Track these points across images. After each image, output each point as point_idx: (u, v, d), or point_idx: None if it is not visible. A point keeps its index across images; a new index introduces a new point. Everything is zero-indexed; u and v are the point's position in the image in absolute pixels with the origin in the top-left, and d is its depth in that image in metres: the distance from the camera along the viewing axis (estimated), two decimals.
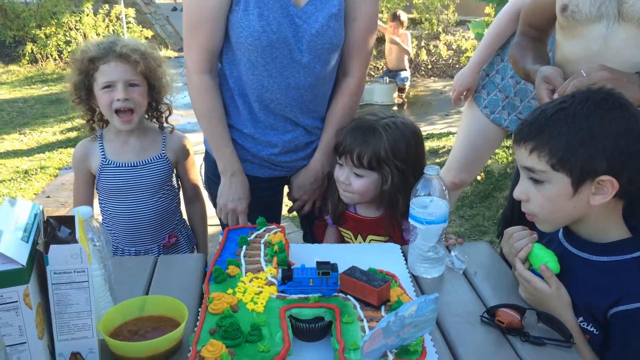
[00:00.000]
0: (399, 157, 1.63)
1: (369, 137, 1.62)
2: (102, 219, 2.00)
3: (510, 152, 4.66)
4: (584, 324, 1.25)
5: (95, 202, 2.02)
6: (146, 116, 1.98)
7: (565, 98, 1.25)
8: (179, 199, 2.08)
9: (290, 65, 1.64)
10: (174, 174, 2.01)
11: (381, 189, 1.65)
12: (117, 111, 1.84)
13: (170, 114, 2.03)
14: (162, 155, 1.96)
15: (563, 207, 1.23)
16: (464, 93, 2.72)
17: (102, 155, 1.92)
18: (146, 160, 1.93)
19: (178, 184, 2.06)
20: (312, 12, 1.61)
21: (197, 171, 2.11)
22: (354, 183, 1.66)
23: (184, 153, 2.02)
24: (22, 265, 0.93)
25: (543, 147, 1.20)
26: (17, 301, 0.94)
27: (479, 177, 4.30)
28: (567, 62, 1.58)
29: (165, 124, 2.01)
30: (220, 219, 1.87)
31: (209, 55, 1.68)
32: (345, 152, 1.65)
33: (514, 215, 1.63)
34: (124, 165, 1.91)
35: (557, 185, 1.21)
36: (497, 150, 4.68)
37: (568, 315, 1.25)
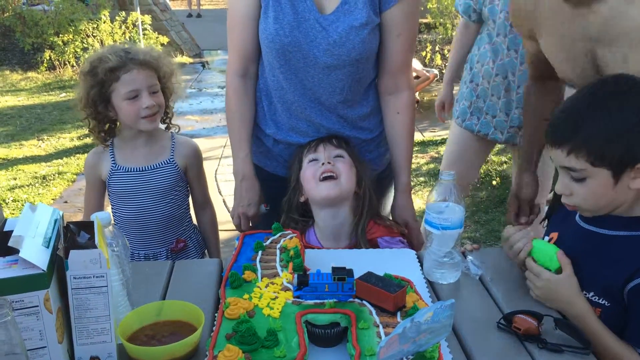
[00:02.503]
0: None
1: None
2: (114, 223, 2.02)
3: None
4: (594, 298, 1.28)
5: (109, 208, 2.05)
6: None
7: (593, 89, 1.26)
8: (188, 204, 2.09)
9: (304, 69, 1.66)
10: (182, 180, 2.02)
11: (357, 180, 1.68)
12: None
13: (172, 116, 2.04)
14: (171, 160, 1.97)
15: (605, 196, 1.26)
16: (443, 107, 2.92)
17: (113, 161, 1.95)
18: (154, 165, 1.95)
19: (187, 190, 2.07)
20: (333, 21, 1.62)
21: (206, 178, 2.13)
22: (338, 165, 1.65)
23: (194, 159, 2.04)
24: (43, 270, 0.94)
25: (580, 148, 1.22)
26: (37, 306, 0.96)
27: (494, 182, 4.27)
28: None
29: (171, 125, 2.03)
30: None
31: (243, 59, 1.75)
32: (321, 141, 1.69)
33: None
34: (132, 170, 1.94)
35: (599, 179, 1.24)
36: (512, 155, 4.64)
37: (579, 299, 1.28)
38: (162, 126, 2.02)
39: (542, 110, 1.79)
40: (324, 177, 1.62)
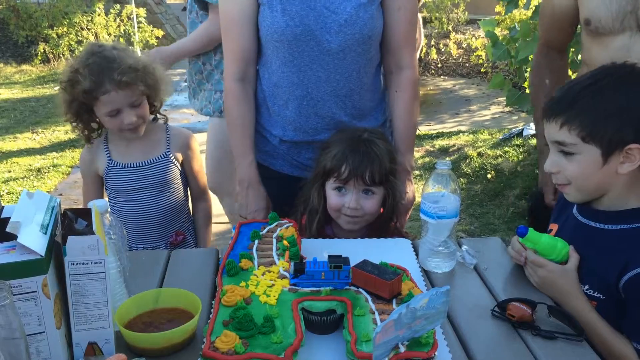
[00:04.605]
0: (395, 164, 1.65)
1: (370, 152, 1.58)
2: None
3: (521, 150, 4.65)
4: (590, 291, 1.30)
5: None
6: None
7: (592, 75, 1.31)
8: (187, 196, 2.09)
9: (318, 57, 1.64)
10: (180, 172, 2.01)
11: (384, 204, 1.64)
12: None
13: (161, 105, 2.01)
14: (167, 154, 1.96)
15: (592, 176, 1.28)
16: None
17: (108, 157, 1.94)
18: (151, 160, 1.94)
19: (186, 181, 2.06)
20: (341, 2, 1.60)
21: (203, 167, 2.12)
22: (365, 205, 1.61)
23: (190, 151, 2.03)
24: (41, 255, 0.95)
25: (573, 121, 1.25)
26: (35, 291, 0.96)
27: (489, 176, 4.29)
28: (593, 65, 1.64)
29: (159, 116, 2.01)
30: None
31: (241, 62, 1.71)
32: (354, 175, 1.56)
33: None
34: (129, 165, 1.93)
35: (588, 156, 1.27)
36: (507, 149, 4.67)
37: (578, 292, 1.29)
38: (150, 116, 1.97)
39: (551, 89, 1.82)
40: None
